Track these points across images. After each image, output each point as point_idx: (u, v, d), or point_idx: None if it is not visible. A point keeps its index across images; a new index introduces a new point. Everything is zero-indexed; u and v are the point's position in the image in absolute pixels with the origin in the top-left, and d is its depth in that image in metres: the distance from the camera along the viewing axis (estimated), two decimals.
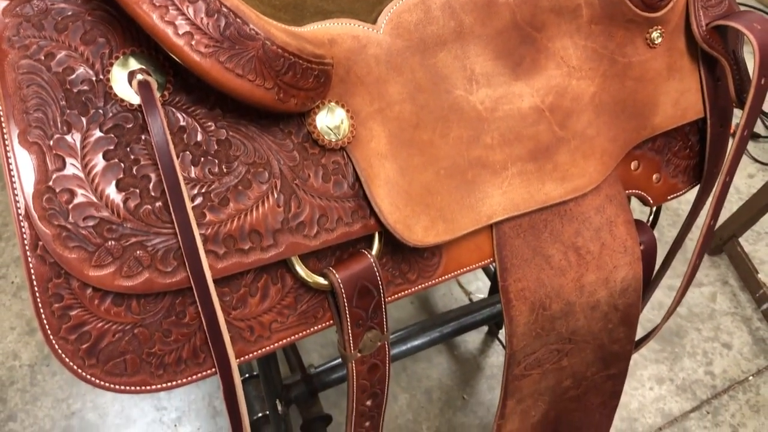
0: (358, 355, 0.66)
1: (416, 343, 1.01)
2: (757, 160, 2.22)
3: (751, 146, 2.27)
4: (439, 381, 1.58)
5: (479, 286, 1.81)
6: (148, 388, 0.56)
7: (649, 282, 0.86)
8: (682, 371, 1.66)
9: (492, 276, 1.52)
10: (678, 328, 1.75)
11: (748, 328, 1.77)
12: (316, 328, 0.63)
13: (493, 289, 1.56)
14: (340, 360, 1.09)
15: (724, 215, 1.91)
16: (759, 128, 2.32)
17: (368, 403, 0.72)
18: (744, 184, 2.15)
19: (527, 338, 0.77)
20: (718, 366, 1.68)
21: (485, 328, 1.69)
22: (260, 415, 1.28)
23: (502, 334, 1.63)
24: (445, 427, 1.49)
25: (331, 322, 0.64)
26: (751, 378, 1.67)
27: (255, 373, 1.33)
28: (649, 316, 1.76)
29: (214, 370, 0.58)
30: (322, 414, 1.20)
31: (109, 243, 0.51)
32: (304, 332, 0.63)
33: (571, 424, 0.95)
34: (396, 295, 0.68)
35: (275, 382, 0.91)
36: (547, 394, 0.87)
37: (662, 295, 1.80)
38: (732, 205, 2.02)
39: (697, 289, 1.84)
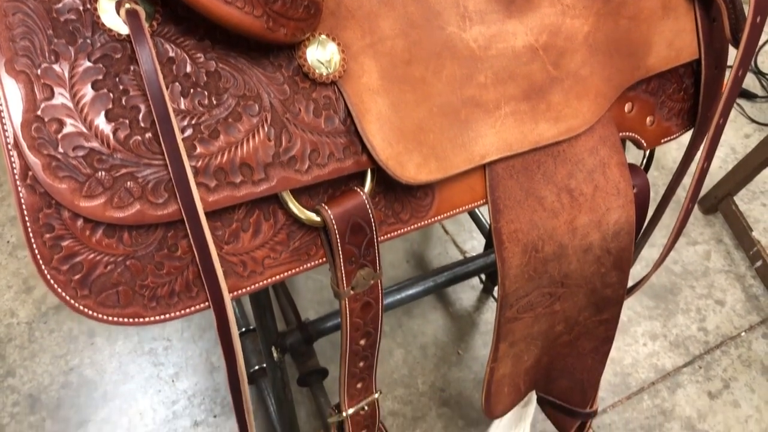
0: (351, 292, 0.66)
1: (411, 292, 1.01)
2: (753, 120, 2.21)
3: (747, 106, 2.26)
4: (434, 337, 1.59)
5: (474, 245, 1.81)
6: (141, 320, 0.56)
7: (642, 226, 0.86)
8: (675, 327, 1.68)
9: (487, 233, 1.52)
10: (672, 285, 1.76)
11: (742, 285, 1.78)
12: (309, 265, 0.63)
13: (488, 246, 1.57)
14: (335, 310, 1.09)
15: (719, 175, 1.91)
16: (756, 88, 2.31)
17: (362, 342, 0.72)
18: (740, 144, 2.14)
19: (520, 281, 0.77)
20: (711, 322, 1.70)
21: (480, 286, 1.70)
22: (257, 367, 1.29)
23: (497, 291, 1.64)
24: (441, 382, 1.51)
25: (324, 259, 0.64)
26: (743, 334, 1.68)
27: (252, 327, 1.34)
28: (643, 274, 1.77)
29: (207, 304, 0.58)
30: (318, 368, 1.21)
31: (100, 173, 0.51)
32: (297, 269, 0.63)
33: (563, 369, 0.96)
34: (388, 235, 0.68)
35: (271, 330, 0.91)
36: (539, 339, 0.88)
37: (656, 253, 1.81)
38: (727, 165, 2.02)
39: (692, 247, 1.85)
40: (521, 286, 0.78)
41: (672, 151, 2.08)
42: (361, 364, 0.76)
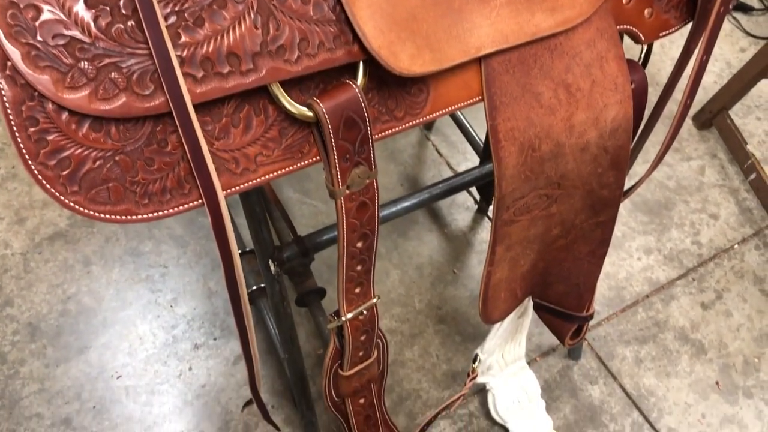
0: (347, 191, 0.65)
1: (406, 204, 1.00)
2: (749, 34, 2.17)
3: (743, 20, 2.22)
4: (430, 257, 1.60)
5: (468, 167, 1.79)
6: (134, 217, 0.55)
7: (639, 124, 0.85)
8: (669, 241, 1.69)
9: (481, 152, 1.51)
10: (666, 200, 1.76)
11: (735, 199, 1.78)
12: (302, 163, 0.62)
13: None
14: (332, 223, 1.08)
15: (714, 89, 1.89)
16: (753, 1, 2.26)
17: (359, 245, 0.72)
18: (735, 58, 2.11)
19: (516, 181, 0.76)
20: (704, 236, 1.71)
21: (475, 207, 1.70)
22: (255, 287, 1.30)
23: (491, 211, 1.64)
24: (437, 300, 1.52)
25: (318, 158, 0.63)
26: (736, 246, 1.70)
27: (249, 249, 1.34)
28: (638, 190, 1.77)
29: (200, 201, 0.57)
30: (316, 287, 1.21)
31: (82, 64, 0.49)
32: (291, 167, 0.62)
33: (559, 274, 0.96)
34: (383, 133, 0.66)
35: (267, 244, 0.91)
36: (536, 243, 0.88)
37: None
38: (722, 79, 2.00)
39: (686, 162, 1.85)
40: (518, 187, 0.77)
41: (666, 67, 2.05)
42: (359, 267, 0.76)
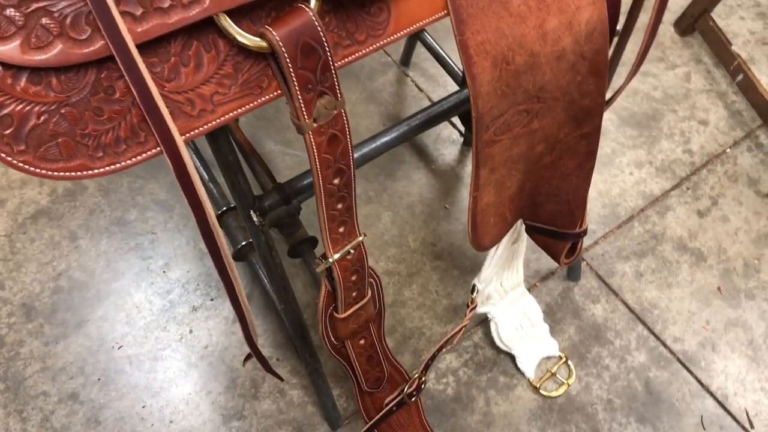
0: (314, 124, 0.62)
1: (386, 139, 0.97)
2: None
3: None
4: (420, 195, 1.57)
5: None
6: (90, 172, 0.52)
7: (615, 26, 0.81)
8: (660, 153, 1.66)
9: (461, 81, 1.47)
10: (654, 111, 1.73)
11: (724, 102, 1.75)
12: (263, 99, 0.59)
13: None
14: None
15: None
16: None
17: (335, 181, 0.69)
18: None
19: (493, 98, 0.73)
20: (695, 143, 1.68)
21: (461, 140, 1.67)
22: (243, 243, 1.27)
23: None
24: (431, 237, 1.51)
25: (279, 91, 0.60)
26: (728, 150, 1.67)
27: (232, 206, 1.31)
28: (624, 104, 1.74)
29: (159, 148, 0.54)
30: (307, 236, 1.19)
31: (8, 11, 0.46)
32: (251, 104, 0.59)
33: (548, 193, 0.94)
34: (346, 59, 0.63)
35: (246, 194, 0.88)
36: (520, 162, 0.85)
37: (636, 82, 1.77)
38: None
39: (671, 71, 1.81)
40: (495, 105, 0.74)
41: None
42: (340, 206, 0.73)
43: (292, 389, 1.31)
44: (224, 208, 1.28)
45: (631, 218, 1.55)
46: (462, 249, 1.49)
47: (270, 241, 0.97)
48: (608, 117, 1.71)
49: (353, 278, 0.84)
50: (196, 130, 0.56)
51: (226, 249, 0.66)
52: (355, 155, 0.96)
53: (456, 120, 1.70)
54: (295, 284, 1.42)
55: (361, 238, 0.80)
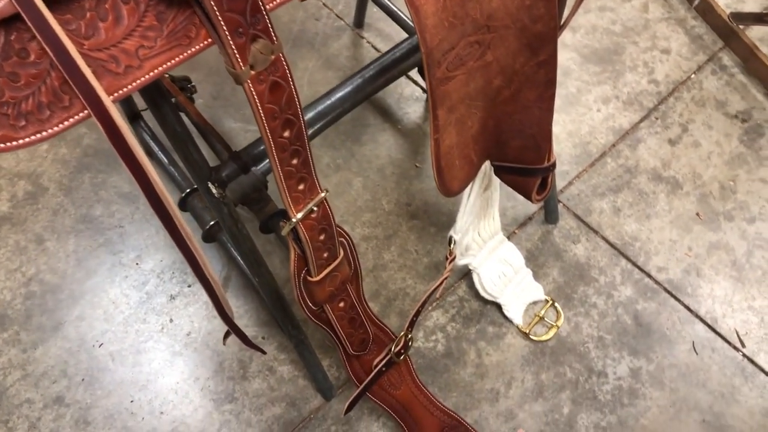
0: (252, 72, 0.59)
1: (340, 94, 0.93)
2: None
3: None
4: (389, 157, 1.54)
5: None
6: (15, 143, 0.49)
7: None
8: (626, 86, 1.64)
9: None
10: (615, 45, 1.71)
11: (684, 28, 1.73)
12: (192, 49, 0.56)
13: None
14: None
15: None
16: None
17: (285, 134, 0.66)
18: None
19: (440, 30, 0.70)
20: (660, 73, 1.66)
21: (424, 96, 1.64)
22: (212, 222, 1.24)
23: None
24: (404, 197, 1.48)
25: (210, 40, 0.56)
26: (693, 76, 1.66)
27: (195, 187, 1.27)
28: (584, 42, 1.71)
29: (86, 111, 0.51)
30: (277, 210, 1.16)
31: None
32: (181, 56, 0.55)
33: (512, 129, 0.91)
34: (276, 1, 0.59)
35: (200, 165, 0.84)
36: (479, 99, 0.83)
37: (594, 17, 1.74)
38: None
39: (628, 3, 1.78)
40: (444, 37, 0.71)
41: None
42: (295, 160, 0.70)
43: (280, 365, 1.28)
44: (187, 190, 1.25)
45: (603, 155, 1.54)
46: (437, 206, 1.47)
47: (234, 213, 0.94)
48: (570, 56, 1.69)
49: (321, 238, 0.82)
50: (125, 89, 0.53)
51: (179, 215, 0.64)
52: (311, 113, 0.93)
53: (418, 77, 1.67)
54: (272, 262, 1.39)
55: (323, 195, 0.77)
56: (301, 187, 0.74)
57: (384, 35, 1.74)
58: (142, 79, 0.53)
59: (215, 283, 0.75)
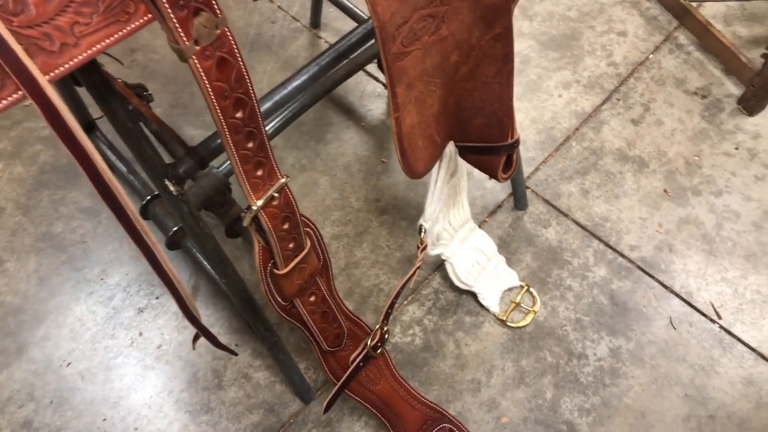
0: (196, 47, 0.56)
1: (297, 83, 0.91)
2: None
3: None
4: (355, 154, 1.52)
5: None
6: None
7: None
8: (585, 70, 1.65)
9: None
10: (572, 31, 1.71)
11: (639, 10, 1.74)
12: (132, 26, 0.53)
13: None
14: None
15: None
16: None
17: (238, 115, 0.64)
18: None
19: (392, 3, 0.69)
20: (618, 55, 1.67)
21: (386, 93, 1.62)
22: (175, 228, 1.21)
23: None
24: (373, 193, 1.46)
25: (150, 15, 0.54)
26: (651, 56, 1.67)
27: (157, 192, 1.24)
28: (541, 29, 1.72)
29: (20, 92, 0.48)
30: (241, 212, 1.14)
31: None
32: (120, 32, 0.53)
33: (473, 107, 0.90)
34: None
35: (155, 162, 0.82)
36: (437, 76, 0.81)
37: (550, 4, 1.75)
38: None
39: None
40: (396, 11, 0.70)
41: None
42: (250, 144, 0.68)
43: (256, 372, 1.25)
44: (148, 197, 1.22)
45: (568, 139, 1.53)
46: (406, 200, 1.45)
47: (194, 211, 0.91)
48: (528, 44, 1.69)
49: (285, 227, 0.79)
50: (62, 68, 0.50)
51: (131, 205, 0.61)
52: (267, 103, 0.91)
53: (378, 74, 1.66)
54: (241, 267, 1.36)
55: (283, 180, 0.75)
56: (259, 172, 0.71)
57: (341, 34, 1.71)
58: (80, 57, 0.51)
59: (176, 279, 0.72)
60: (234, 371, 1.26)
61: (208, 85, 0.59)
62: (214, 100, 0.60)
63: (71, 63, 0.51)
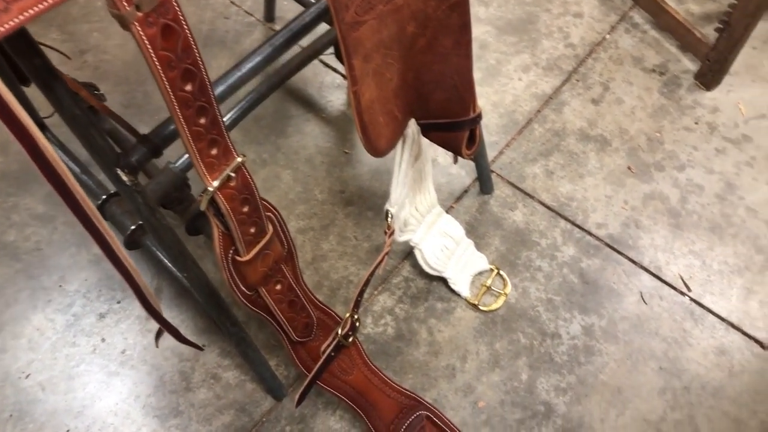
0: (138, 13, 0.53)
1: (251, 64, 0.88)
2: None
3: None
4: (317, 147, 1.50)
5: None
6: None
7: None
8: (543, 53, 1.65)
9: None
10: (528, 15, 1.71)
11: None
12: None
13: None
14: None
15: None
16: None
17: (187, 87, 0.61)
18: None
19: None
20: (575, 36, 1.67)
21: (345, 83, 1.60)
22: (133, 227, 1.17)
23: None
24: (337, 185, 1.44)
25: None
26: (607, 36, 1.68)
27: (113, 192, 1.20)
28: (497, 14, 1.71)
29: None
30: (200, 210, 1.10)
31: None
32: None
33: (433, 80, 0.88)
34: None
35: (105, 151, 0.78)
36: (394, 48, 0.79)
37: None
38: None
39: None
40: None
41: None
42: (203, 120, 0.65)
43: (225, 371, 1.21)
44: (104, 197, 1.17)
45: (530, 121, 1.53)
46: (371, 189, 1.43)
47: (150, 202, 0.87)
48: (485, 30, 1.69)
49: (245, 209, 0.76)
50: None
51: (82, 192, 0.57)
52: (221, 87, 0.88)
53: (337, 65, 1.63)
54: (205, 266, 1.32)
55: (240, 159, 0.72)
56: (214, 151, 0.68)
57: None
58: (11, 23, 0.47)
59: (132, 268, 0.69)
60: (202, 372, 1.22)
61: (153, 55, 0.56)
62: (161, 71, 0.57)
63: (1, 30, 0.47)
